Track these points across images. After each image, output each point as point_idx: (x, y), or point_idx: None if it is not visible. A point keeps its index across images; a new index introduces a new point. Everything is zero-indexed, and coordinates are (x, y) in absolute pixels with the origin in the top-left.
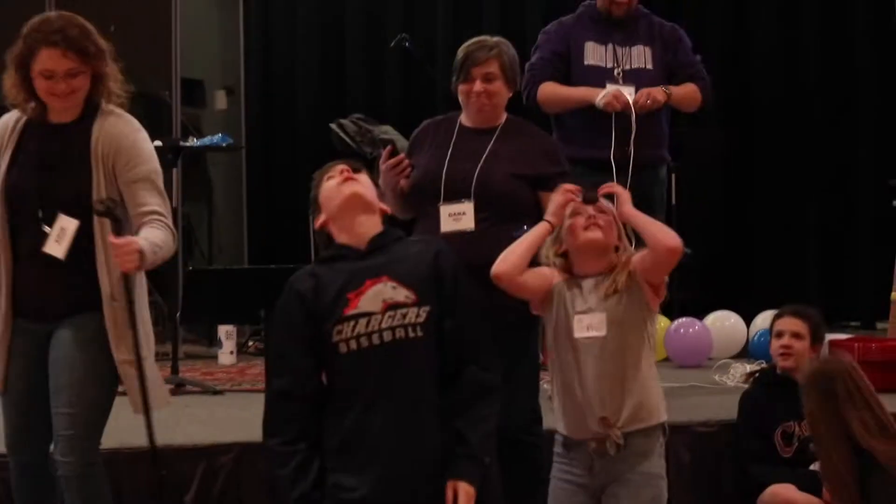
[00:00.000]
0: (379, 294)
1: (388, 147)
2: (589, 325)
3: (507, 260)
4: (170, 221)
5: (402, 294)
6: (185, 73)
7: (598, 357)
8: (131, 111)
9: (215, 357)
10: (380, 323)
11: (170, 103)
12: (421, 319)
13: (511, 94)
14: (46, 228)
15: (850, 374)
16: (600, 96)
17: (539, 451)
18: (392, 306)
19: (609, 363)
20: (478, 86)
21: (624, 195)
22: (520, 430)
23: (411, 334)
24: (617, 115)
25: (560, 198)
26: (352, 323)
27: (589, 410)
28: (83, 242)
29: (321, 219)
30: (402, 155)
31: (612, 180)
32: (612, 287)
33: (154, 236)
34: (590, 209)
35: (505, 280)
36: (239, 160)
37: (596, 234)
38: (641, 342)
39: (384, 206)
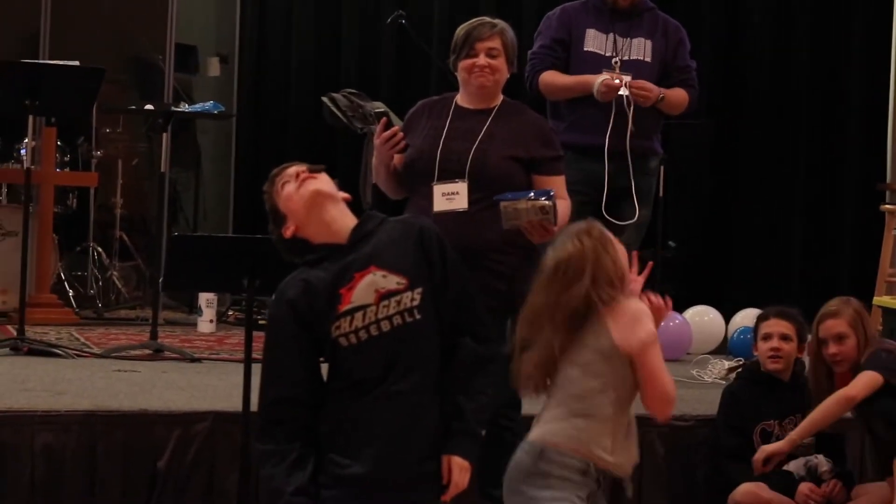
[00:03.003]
0: (370, 285)
1: (383, 119)
2: None
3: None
4: None
5: (392, 281)
6: (179, 39)
7: None
8: (124, 74)
9: (195, 324)
10: (376, 314)
11: (163, 68)
12: (416, 303)
13: (509, 76)
14: None
15: None
16: (596, 89)
17: (514, 434)
18: (385, 295)
19: None
20: (482, 59)
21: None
22: (498, 414)
23: (409, 319)
24: (617, 102)
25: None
26: (348, 318)
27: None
28: None
29: (291, 227)
30: (396, 127)
31: (604, 167)
32: None
33: None
34: None
35: None
36: (229, 128)
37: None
38: None
39: (346, 195)
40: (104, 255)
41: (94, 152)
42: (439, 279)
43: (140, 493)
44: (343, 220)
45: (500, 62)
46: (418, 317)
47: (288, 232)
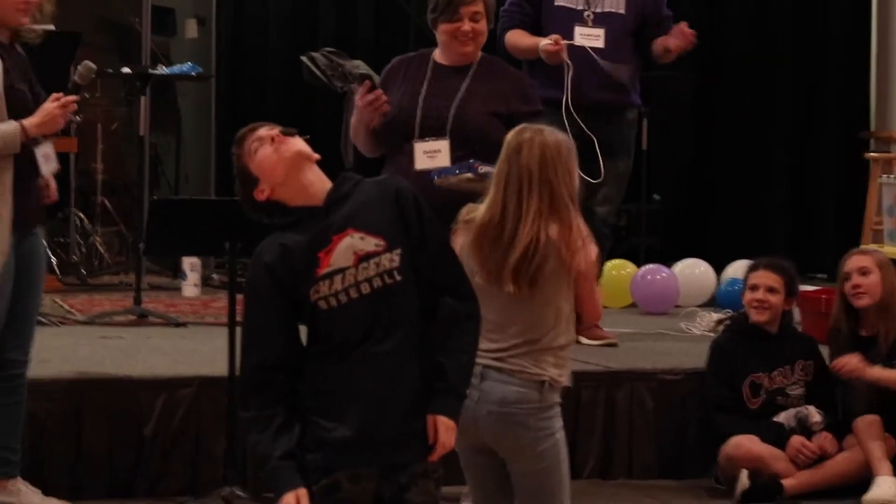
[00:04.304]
0: (349, 247)
1: (367, 82)
2: None
3: None
4: None
5: (371, 243)
6: (156, 1)
7: None
8: (100, 38)
9: (179, 289)
10: (355, 276)
11: (139, 31)
12: (395, 264)
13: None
14: None
15: None
16: (541, 48)
17: None
18: (364, 257)
19: None
20: (466, 25)
21: None
22: None
23: (388, 280)
24: (579, 56)
25: None
26: (327, 281)
27: None
28: None
29: (265, 190)
30: (380, 91)
31: (573, 120)
32: None
33: None
34: None
35: None
36: (208, 91)
37: None
38: None
39: (317, 155)
40: (86, 221)
41: (73, 117)
42: (417, 239)
43: (126, 459)
44: (319, 181)
45: (483, 24)
46: (398, 278)
47: (262, 195)
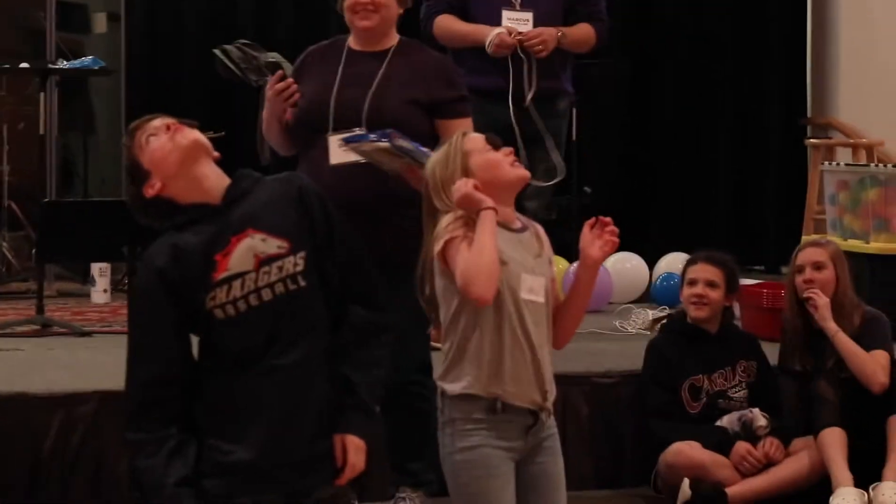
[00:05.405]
0: (249, 250)
1: (279, 72)
2: (531, 287)
3: (488, 283)
4: None
5: (273, 245)
6: None
7: (538, 324)
8: (7, 36)
9: (88, 295)
10: (255, 281)
11: (44, 26)
12: (300, 268)
13: (401, 12)
14: None
15: None
16: (488, 42)
17: (427, 402)
18: (265, 261)
19: (544, 332)
20: None
21: None
22: (408, 381)
23: (292, 286)
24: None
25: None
26: (225, 287)
27: (536, 378)
28: None
29: (156, 184)
30: (290, 79)
31: (508, 111)
32: (540, 248)
33: None
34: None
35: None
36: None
37: (524, 172)
38: None
39: (216, 153)
40: None
41: None
42: (324, 241)
43: (21, 483)
44: (215, 177)
45: None
46: (303, 283)
47: (151, 190)
